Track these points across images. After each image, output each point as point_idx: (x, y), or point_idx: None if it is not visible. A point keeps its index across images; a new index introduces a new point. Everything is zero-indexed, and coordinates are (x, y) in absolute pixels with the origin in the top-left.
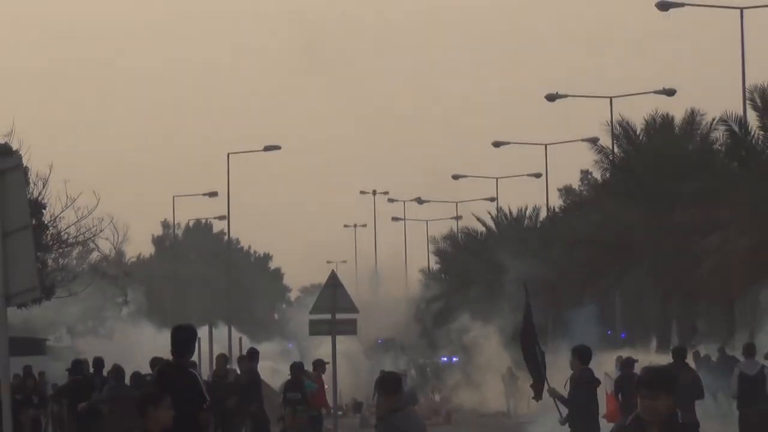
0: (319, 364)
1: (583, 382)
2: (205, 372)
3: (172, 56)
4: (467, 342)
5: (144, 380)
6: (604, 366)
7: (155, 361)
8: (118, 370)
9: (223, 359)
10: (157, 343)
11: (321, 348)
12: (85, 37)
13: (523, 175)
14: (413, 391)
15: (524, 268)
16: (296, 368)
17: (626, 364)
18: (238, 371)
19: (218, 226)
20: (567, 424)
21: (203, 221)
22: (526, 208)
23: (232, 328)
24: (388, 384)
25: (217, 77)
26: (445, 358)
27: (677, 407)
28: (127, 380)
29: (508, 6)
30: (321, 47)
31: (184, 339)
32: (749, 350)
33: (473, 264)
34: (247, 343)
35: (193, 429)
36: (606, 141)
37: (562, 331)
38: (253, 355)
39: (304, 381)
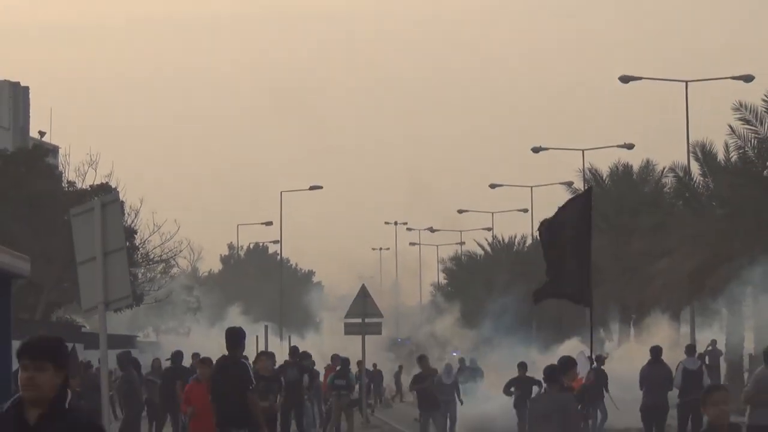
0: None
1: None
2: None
3: (234, 112)
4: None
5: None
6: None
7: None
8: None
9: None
10: (222, 339)
11: (352, 344)
12: (166, 96)
13: (513, 211)
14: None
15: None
16: (344, 361)
17: (597, 360)
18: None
19: (272, 248)
20: None
21: (261, 244)
22: (515, 237)
23: (283, 329)
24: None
25: (272, 130)
26: (453, 353)
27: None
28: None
29: (505, 72)
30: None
31: (234, 337)
32: (690, 350)
33: (471, 280)
34: (295, 341)
35: (243, 406)
36: (579, 184)
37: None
38: (294, 352)
39: (349, 372)
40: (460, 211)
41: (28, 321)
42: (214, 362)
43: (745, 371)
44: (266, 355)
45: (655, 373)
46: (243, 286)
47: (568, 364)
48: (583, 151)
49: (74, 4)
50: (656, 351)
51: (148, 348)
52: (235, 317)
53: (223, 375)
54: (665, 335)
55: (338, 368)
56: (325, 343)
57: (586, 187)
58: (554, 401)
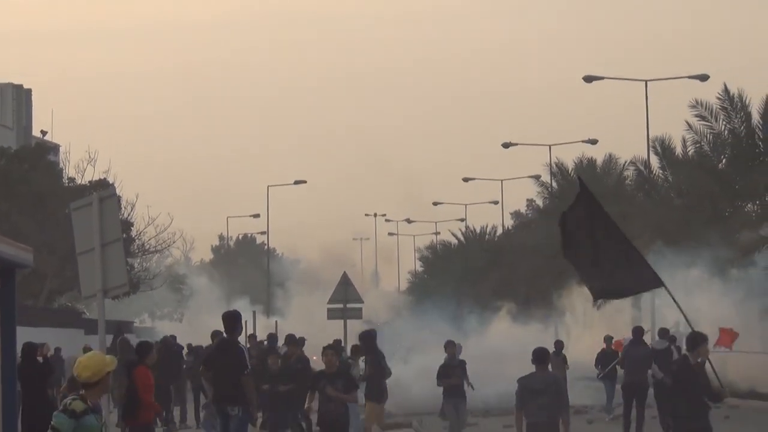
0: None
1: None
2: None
3: (224, 112)
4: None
5: (201, 350)
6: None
7: (215, 333)
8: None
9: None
10: (216, 324)
11: (335, 329)
12: (160, 98)
13: (485, 203)
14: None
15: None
16: (336, 342)
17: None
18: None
19: (260, 239)
20: None
21: (249, 235)
22: (487, 227)
23: (271, 315)
24: (542, 356)
25: (258, 130)
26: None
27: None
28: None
29: (476, 73)
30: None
31: (232, 320)
32: (662, 333)
33: (447, 268)
34: (282, 326)
35: (238, 387)
36: (546, 177)
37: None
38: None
39: (342, 352)
40: (435, 204)
41: (32, 307)
42: (213, 343)
43: None
44: (332, 350)
45: (636, 352)
46: (233, 274)
47: (698, 339)
48: (549, 146)
49: (72, 12)
50: (638, 332)
51: (143, 333)
52: (225, 303)
53: (222, 356)
54: (628, 318)
55: None
56: (310, 325)
57: (552, 180)
58: (546, 379)
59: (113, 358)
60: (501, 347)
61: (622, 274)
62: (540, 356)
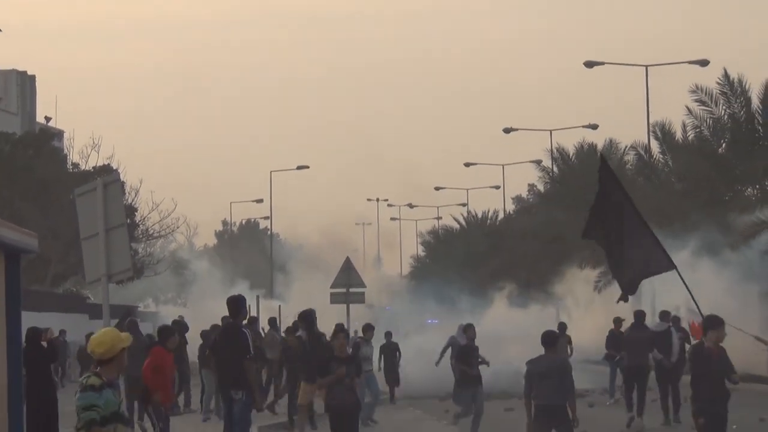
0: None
1: None
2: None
3: (226, 99)
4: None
5: (208, 335)
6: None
7: (214, 327)
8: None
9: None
10: (219, 309)
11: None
12: (165, 87)
13: (486, 187)
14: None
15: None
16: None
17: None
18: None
19: (263, 224)
20: None
21: (252, 220)
22: (488, 212)
23: (273, 299)
24: (550, 339)
25: (261, 116)
26: (429, 321)
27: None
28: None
29: (478, 59)
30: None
31: (236, 305)
32: (663, 315)
33: (449, 252)
34: (285, 310)
35: (241, 372)
36: (547, 162)
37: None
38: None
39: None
40: (437, 188)
41: (37, 292)
42: (222, 326)
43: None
44: (344, 333)
45: (637, 335)
46: (236, 259)
47: (708, 323)
48: (550, 131)
49: (74, 6)
50: (639, 315)
51: (147, 317)
52: (229, 288)
53: (226, 341)
54: (629, 302)
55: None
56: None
57: (553, 165)
58: (553, 362)
59: (128, 334)
60: (501, 330)
61: (635, 257)
62: (549, 339)
